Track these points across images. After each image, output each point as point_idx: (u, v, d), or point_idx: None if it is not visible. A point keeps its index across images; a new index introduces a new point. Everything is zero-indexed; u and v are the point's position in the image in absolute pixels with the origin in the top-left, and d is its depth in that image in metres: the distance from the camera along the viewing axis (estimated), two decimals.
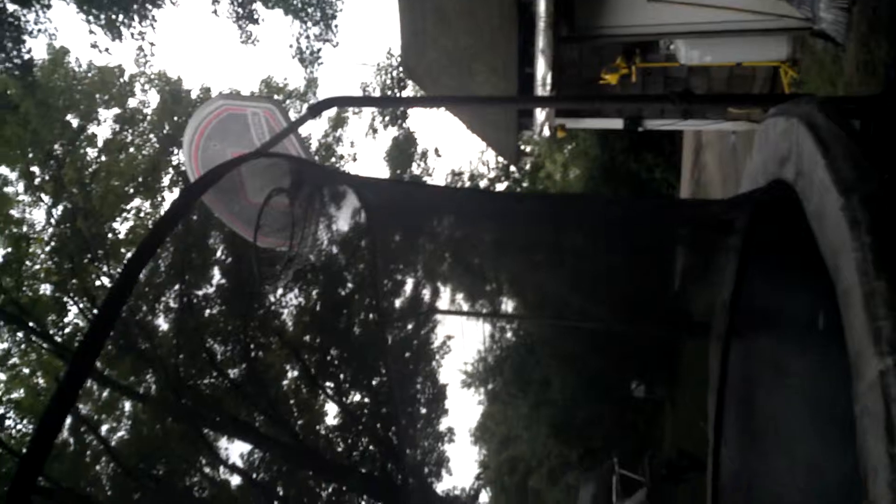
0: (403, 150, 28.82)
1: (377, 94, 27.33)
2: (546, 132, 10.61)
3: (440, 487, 27.18)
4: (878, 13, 5.85)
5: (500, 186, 31.22)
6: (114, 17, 20.33)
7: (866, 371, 2.43)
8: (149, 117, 23.66)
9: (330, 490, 21.82)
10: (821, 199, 3.01)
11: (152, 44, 23.96)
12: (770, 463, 4.10)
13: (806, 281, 3.25)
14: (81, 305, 20.75)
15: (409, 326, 22.76)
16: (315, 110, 4.97)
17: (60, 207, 20.79)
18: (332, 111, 25.23)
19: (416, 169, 29.43)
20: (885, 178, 3.70)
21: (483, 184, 31.02)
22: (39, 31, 20.18)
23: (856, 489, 2.43)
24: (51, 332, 20.31)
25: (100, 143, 22.61)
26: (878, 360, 2.38)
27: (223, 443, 20.64)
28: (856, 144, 3.05)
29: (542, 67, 9.02)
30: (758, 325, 4.62)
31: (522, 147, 24.71)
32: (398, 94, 27.19)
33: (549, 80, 9.07)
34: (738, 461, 4.78)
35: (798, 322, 3.76)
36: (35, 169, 21.17)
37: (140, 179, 22.64)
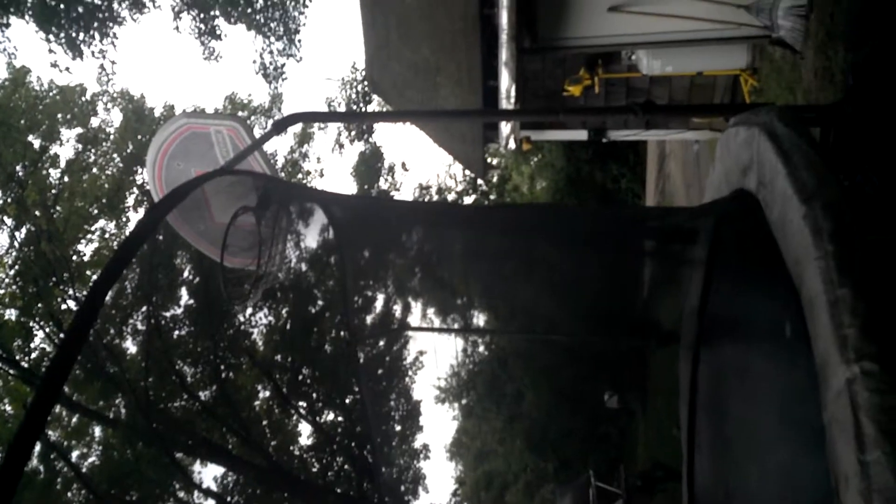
0: (370, 164, 28.76)
1: (342, 108, 27.28)
2: (512, 144, 10.64)
3: None
4: (835, 20, 5.95)
5: (468, 199, 31.29)
6: (74, 35, 20.07)
7: (833, 379, 2.43)
8: (112, 137, 23.37)
9: None
10: (783, 207, 3.03)
11: (113, 62, 23.74)
12: (743, 471, 4.10)
13: (772, 289, 3.26)
14: (48, 329, 20.38)
15: (381, 343, 22.69)
16: (279, 127, 4.92)
17: (23, 230, 20.43)
18: (298, 127, 25.13)
19: (383, 183, 29.39)
20: (846, 186, 3.75)
21: (451, 197, 31.08)
22: None
23: (829, 497, 2.42)
24: (17, 357, 19.92)
25: (62, 164, 22.30)
26: (844, 368, 2.38)
27: (196, 466, 20.40)
28: (816, 153, 3.08)
29: (505, 80, 9.05)
30: (726, 333, 4.64)
31: (489, 159, 24.79)
32: (363, 109, 27.17)
33: (513, 93, 9.09)
34: (712, 470, 4.79)
35: (765, 330, 3.77)
36: None
37: (104, 200, 22.32)
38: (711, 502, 4.83)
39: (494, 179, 30.10)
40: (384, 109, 26.61)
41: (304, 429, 22.89)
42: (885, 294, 2.52)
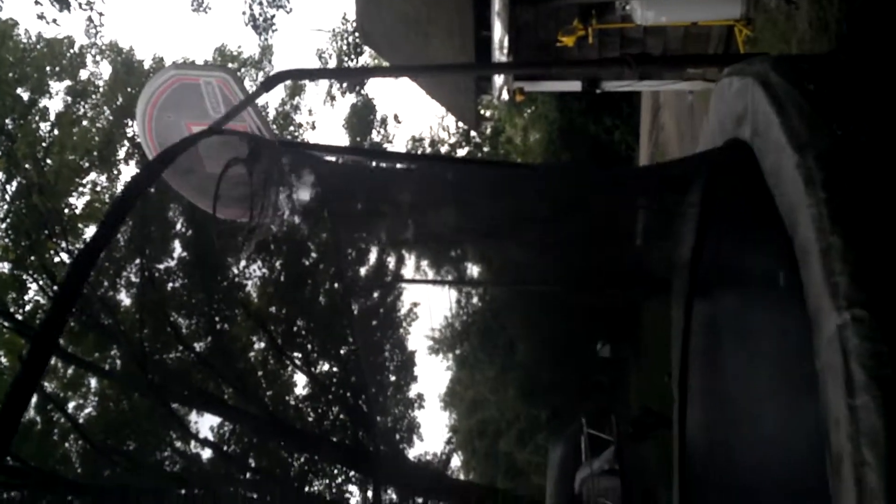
0: (362, 117, 28.49)
1: (333, 60, 26.94)
2: (505, 96, 10.57)
3: (411, 453, 27.44)
4: None
5: (462, 152, 31.11)
6: None
7: (825, 326, 2.48)
8: (101, 89, 23.08)
9: (301, 460, 21.90)
10: (776, 157, 3.05)
11: (101, 14, 23.27)
12: (735, 417, 4.18)
13: (765, 238, 3.30)
14: (41, 282, 20.37)
15: (376, 295, 22.77)
16: (269, 84, 4.91)
17: (14, 183, 20.28)
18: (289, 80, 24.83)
19: (375, 136, 29.17)
20: (840, 135, 3.76)
21: (444, 149, 30.89)
22: None
23: (819, 442, 2.48)
24: (11, 310, 19.95)
25: (52, 117, 22.04)
26: (836, 315, 2.42)
27: (192, 416, 20.58)
28: (809, 103, 3.09)
29: (498, 30, 8.96)
30: (719, 282, 4.69)
31: (482, 111, 24.61)
32: (355, 60, 26.84)
33: (506, 43, 9.01)
34: (704, 416, 4.88)
35: (758, 279, 3.82)
36: None
37: (95, 153, 22.11)
38: (702, 448, 4.93)
39: (488, 131, 29.91)
40: (375, 61, 26.33)
41: (300, 379, 23.07)
42: (877, 242, 2.55)
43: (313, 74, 12.70)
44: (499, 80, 10.28)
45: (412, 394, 27.10)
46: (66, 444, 19.04)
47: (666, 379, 5.77)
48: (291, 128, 26.25)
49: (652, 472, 11.54)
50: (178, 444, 20.34)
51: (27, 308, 20.43)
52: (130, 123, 21.82)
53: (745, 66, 3.65)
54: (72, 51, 22.62)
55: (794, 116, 3.03)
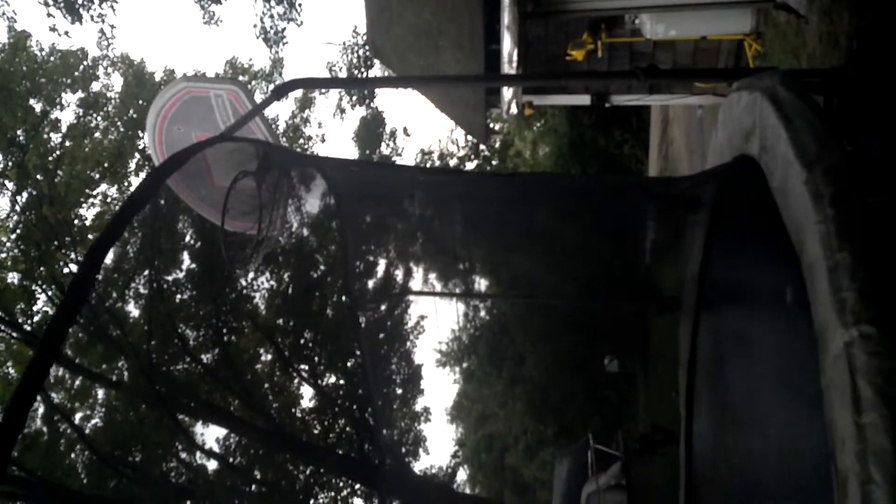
0: (372, 129, 28.59)
1: (343, 73, 27.06)
2: (514, 109, 10.58)
3: (417, 467, 27.34)
4: None
5: (470, 165, 31.15)
6: None
7: (832, 343, 2.45)
8: (113, 101, 23.23)
9: (307, 472, 21.83)
10: (784, 172, 3.03)
11: (113, 26, 23.43)
12: (742, 435, 4.14)
13: (772, 254, 3.27)
14: (50, 293, 20.45)
15: (383, 307, 22.75)
16: (279, 92, 4.91)
17: (25, 194, 20.40)
18: (299, 92, 24.93)
19: (385, 149, 29.25)
20: (849, 151, 3.74)
21: (453, 163, 30.95)
22: None
23: (826, 461, 2.45)
24: (20, 320, 20.01)
25: (64, 129, 22.20)
26: (843, 332, 2.40)
27: (198, 428, 20.56)
28: (818, 118, 3.07)
29: (508, 44, 8.97)
30: (726, 298, 4.67)
31: (491, 125, 24.65)
32: (365, 73, 26.95)
33: (515, 57, 9.02)
34: (711, 433, 4.84)
35: (766, 295, 3.79)
36: None
37: (106, 164, 22.25)
38: (709, 465, 4.89)
39: (497, 145, 29.94)
40: (386, 74, 26.43)
41: (306, 391, 23.03)
42: (885, 258, 2.53)
43: (323, 84, 12.77)
44: (508, 93, 10.29)
45: (419, 407, 27.06)
46: (73, 455, 19.02)
47: (673, 395, 5.74)
48: (301, 140, 26.35)
49: (658, 488, 11.47)
50: (184, 455, 20.32)
51: (35, 319, 20.49)
52: (141, 135, 21.93)
53: (753, 80, 3.63)
54: (84, 63, 22.79)
55: (803, 131, 3.01)
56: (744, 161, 3.66)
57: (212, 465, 20.78)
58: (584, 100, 11.00)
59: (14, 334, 19.67)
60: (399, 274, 20.86)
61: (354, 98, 27.77)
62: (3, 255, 20.67)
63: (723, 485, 4.57)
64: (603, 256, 5.75)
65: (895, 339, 2.31)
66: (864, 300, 2.40)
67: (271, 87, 25.38)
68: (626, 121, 21.61)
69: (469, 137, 27.96)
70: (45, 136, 21.69)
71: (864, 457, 2.22)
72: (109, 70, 23.41)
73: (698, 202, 4.59)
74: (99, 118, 23.06)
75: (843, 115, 4.21)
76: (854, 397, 2.29)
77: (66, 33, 25.49)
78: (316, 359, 22.25)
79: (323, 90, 26.71)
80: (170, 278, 20.76)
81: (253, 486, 21.14)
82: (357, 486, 22.16)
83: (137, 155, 22.80)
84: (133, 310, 20.19)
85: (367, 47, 24.87)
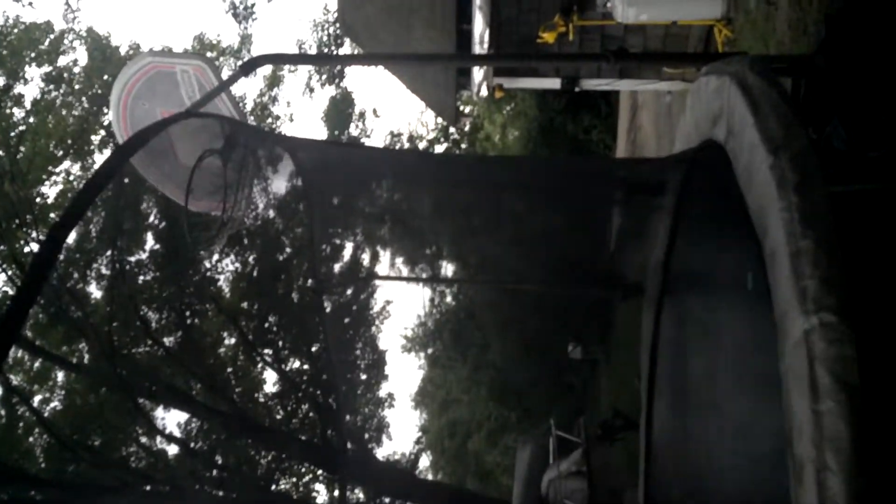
0: (341, 110, 28.35)
1: (314, 51, 26.82)
2: (484, 92, 10.52)
3: (380, 453, 27.38)
4: None
5: (440, 148, 31.06)
6: None
7: (791, 330, 2.44)
8: (77, 76, 22.75)
9: (269, 458, 21.73)
10: (750, 157, 3.01)
11: None
12: (701, 421, 4.15)
13: (736, 241, 3.25)
14: (10, 273, 20.05)
15: (349, 292, 22.65)
16: (247, 68, 4.84)
17: None
18: (268, 69, 24.60)
19: (354, 130, 29.04)
20: (815, 138, 3.72)
21: (422, 145, 30.84)
22: None
23: (784, 447, 2.44)
24: None
25: (27, 104, 21.71)
26: (803, 319, 2.38)
27: (160, 412, 20.35)
28: (786, 104, 3.05)
29: (479, 24, 8.92)
30: (690, 284, 4.66)
31: (461, 107, 24.58)
32: (335, 52, 26.73)
33: (486, 38, 8.97)
34: (671, 419, 4.85)
35: (728, 282, 3.78)
36: None
37: (69, 141, 21.83)
38: (669, 451, 4.90)
39: (466, 128, 29.86)
40: (356, 52, 26.22)
41: (270, 376, 22.91)
42: (847, 247, 2.52)
43: (292, 60, 12.64)
44: (478, 75, 10.23)
45: (383, 393, 27.06)
46: (31, 439, 18.69)
47: (635, 381, 5.75)
48: (269, 119, 26.05)
49: (619, 474, 11.56)
50: (145, 439, 20.10)
51: None
52: (106, 111, 21.51)
53: (722, 65, 3.61)
54: (50, 36, 22.29)
55: (770, 117, 2.99)
56: (710, 146, 3.64)
57: (173, 449, 20.61)
58: (554, 83, 10.95)
59: None
60: (366, 258, 20.76)
61: (324, 77, 27.52)
62: None
63: (682, 470, 4.58)
64: (568, 241, 5.73)
65: (854, 328, 2.30)
66: (825, 288, 2.39)
67: (239, 63, 25.07)
68: (595, 106, 21.67)
69: (439, 120, 27.85)
70: (8, 110, 21.22)
71: (820, 444, 2.22)
72: (74, 44, 22.94)
73: (664, 186, 4.57)
74: (63, 93, 22.60)
75: (809, 102, 4.21)
76: (812, 384, 2.29)
77: (31, 4, 24.89)
78: (280, 343, 22.11)
79: (292, 68, 26.40)
80: (133, 259, 20.47)
81: (214, 471, 21.00)
82: (319, 472, 22.13)
83: (102, 131, 22.39)
84: (95, 291, 19.89)
85: (337, 25, 24.63)
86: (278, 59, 8.80)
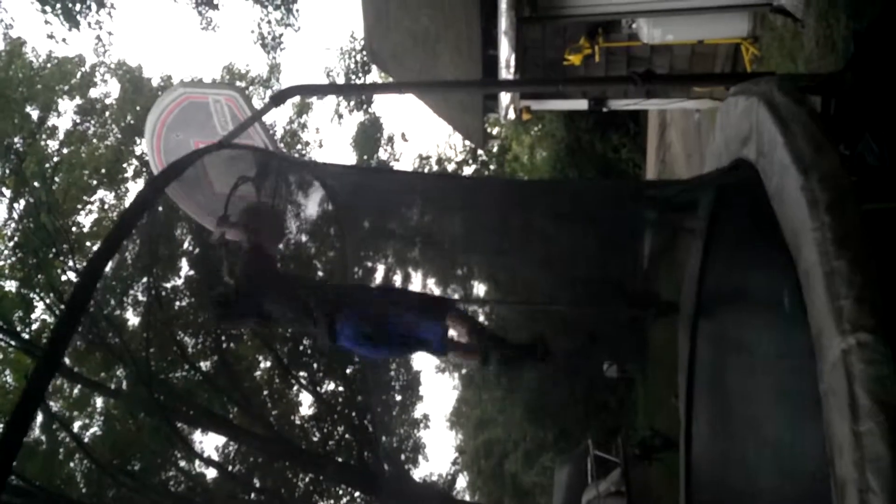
0: (370, 135, 28.56)
1: (341, 79, 27.03)
2: (511, 114, 10.56)
3: (417, 474, 27.30)
4: None
5: (468, 170, 31.10)
6: (70, 5, 19.86)
7: (829, 351, 2.44)
8: (110, 108, 23.21)
9: (307, 480, 21.78)
10: (781, 178, 3.01)
11: (110, 32, 23.46)
12: (740, 441, 4.13)
13: (769, 260, 3.25)
14: (48, 301, 20.39)
15: None
16: (277, 99, 4.90)
17: (22, 202, 20.35)
18: (297, 98, 24.91)
19: (383, 154, 29.23)
20: (846, 156, 3.71)
21: (451, 168, 30.91)
22: None
23: (824, 468, 2.44)
24: (17, 329, 19.94)
25: (61, 136, 22.18)
26: (840, 339, 2.38)
27: (197, 436, 20.52)
28: (815, 123, 3.05)
29: (505, 49, 8.97)
30: (724, 304, 4.65)
31: (489, 129, 24.62)
32: (362, 79, 26.93)
33: (512, 62, 9.01)
34: (710, 439, 4.82)
35: (763, 301, 3.77)
36: None
37: (103, 171, 22.23)
38: (709, 471, 4.86)
39: (494, 150, 29.89)
40: (383, 79, 26.43)
41: (305, 399, 23.00)
42: (882, 265, 2.52)
43: (321, 90, 12.77)
44: (505, 98, 10.28)
45: (418, 413, 27.02)
46: (72, 464, 18.98)
47: (673, 400, 5.71)
48: (299, 146, 26.35)
49: (658, 494, 11.43)
50: (183, 463, 20.27)
51: (33, 327, 20.44)
52: (139, 141, 21.93)
53: (750, 84, 3.62)
54: (82, 69, 22.78)
55: (799, 137, 2.99)
56: (741, 165, 3.65)
57: (211, 473, 20.76)
58: (581, 104, 10.98)
59: (12, 343, 19.61)
60: (398, 280, 20.80)
61: (352, 103, 27.77)
62: (1, 263, 20.63)
63: (722, 491, 4.55)
64: (601, 261, 5.73)
65: (891, 347, 2.30)
66: (860, 308, 2.39)
67: (269, 92, 25.40)
68: (623, 125, 21.58)
69: (467, 142, 27.92)
70: (43, 143, 21.67)
71: (861, 465, 2.21)
72: (106, 77, 23.41)
73: (696, 206, 4.57)
74: (96, 125, 23.05)
75: (840, 119, 4.19)
76: (851, 405, 2.29)
77: (64, 40, 25.50)
78: (315, 365, 22.20)
79: (321, 95, 26.73)
80: (168, 285, 20.73)
81: (252, 494, 21.10)
82: (356, 493, 22.11)
83: (135, 161, 22.78)
84: (132, 317, 20.17)
85: (364, 53, 24.88)
86: (308, 91, 8.89)
